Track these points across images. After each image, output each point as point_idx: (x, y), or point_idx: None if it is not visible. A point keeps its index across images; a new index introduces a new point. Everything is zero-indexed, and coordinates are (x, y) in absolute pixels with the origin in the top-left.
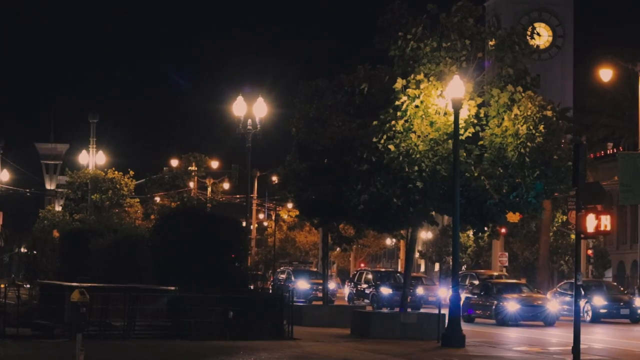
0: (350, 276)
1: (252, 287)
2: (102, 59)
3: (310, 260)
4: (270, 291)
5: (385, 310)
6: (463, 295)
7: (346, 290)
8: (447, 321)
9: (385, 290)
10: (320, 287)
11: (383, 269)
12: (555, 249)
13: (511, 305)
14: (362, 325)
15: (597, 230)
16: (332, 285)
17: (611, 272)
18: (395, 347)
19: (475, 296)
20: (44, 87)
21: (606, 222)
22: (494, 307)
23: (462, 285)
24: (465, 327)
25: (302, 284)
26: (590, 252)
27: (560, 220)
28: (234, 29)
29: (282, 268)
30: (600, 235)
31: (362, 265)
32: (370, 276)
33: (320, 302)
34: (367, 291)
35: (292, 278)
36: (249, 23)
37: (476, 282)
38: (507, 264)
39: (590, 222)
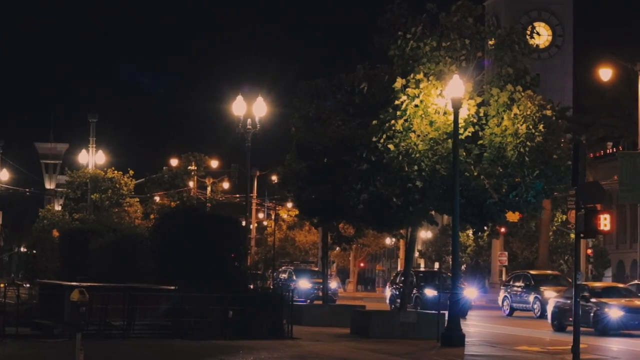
0: (392, 277)
1: (251, 286)
2: (102, 58)
3: (312, 260)
4: (271, 290)
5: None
6: (552, 302)
7: (387, 292)
8: (446, 321)
9: (430, 292)
10: (322, 286)
11: (427, 269)
12: (554, 248)
13: (614, 312)
14: (361, 324)
15: (597, 229)
16: (333, 284)
17: (611, 271)
18: (395, 346)
19: (569, 301)
20: (43, 87)
21: (606, 221)
22: (592, 314)
23: (511, 286)
24: (558, 337)
25: (304, 284)
26: (589, 251)
27: (559, 220)
28: (233, 28)
29: (283, 267)
30: (599, 235)
31: (361, 264)
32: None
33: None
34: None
35: (294, 277)
36: (248, 22)
37: (530, 284)
38: (506, 264)
39: (590, 222)
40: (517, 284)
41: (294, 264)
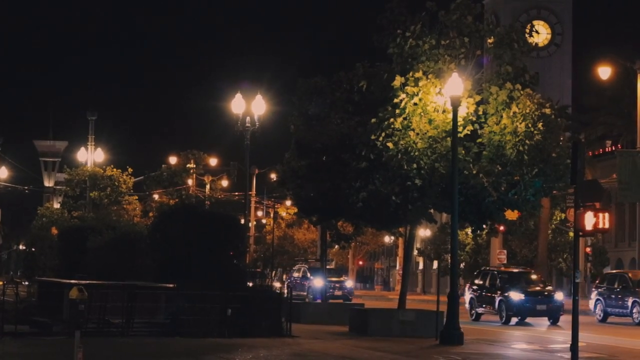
0: (473, 276)
1: (250, 284)
2: (101, 56)
3: (328, 259)
4: (285, 290)
5: (515, 319)
6: None
7: (466, 294)
8: (445, 319)
9: (516, 296)
10: (338, 285)
11: (514, 268)
12: (553, 246)
13: None
14: (360, 322)
15: (596, 227)
16: (348, 283)
17: (610, 269)
18: (393, 344)
19: None
20: (42, 85)
21: (604, 219)
22: None
23: (605, 289)
24: None
25: (319, 282)
26: (588, 249)
27: (558, 218)
28: (232, 26)
29: (297, 266)
30: (598, 233)
31: (360, 263)
32: (496, 277)
33: (340, 301)
34: (490, 294)
35: (308, 276)
36: (248, 21)
37: (628, 286)
38: (505, 262)
39: (589, 220)
40: (612, 286)
41: (308, 262)
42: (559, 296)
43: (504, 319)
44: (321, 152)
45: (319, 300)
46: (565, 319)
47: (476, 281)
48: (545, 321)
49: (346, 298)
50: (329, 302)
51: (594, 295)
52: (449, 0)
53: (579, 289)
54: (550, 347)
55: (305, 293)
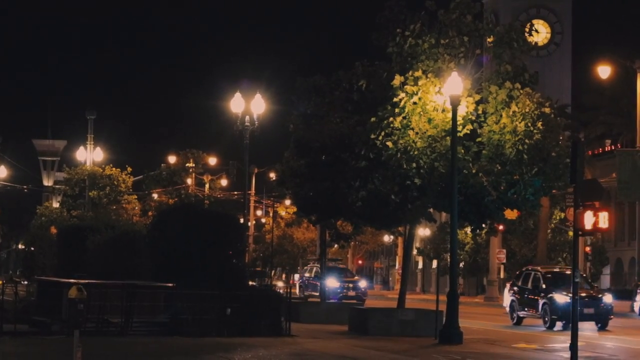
0: (514, 277)
1: (252, 283)
2: (100, 55)
3: (340, 257)
4: (298, 290)
5: (560, 324)
6: None
7: (506, 297)
8: (444, 318)
9: (561, 298)
10: (351, 285)
11: (558, 268)
12: (553, 245)
13: None
14: (359, 322)
15: (595, 227)
16: (362, 283)
17: (609, 269)
18: (393, 344)
19: None
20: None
21: (604, 219)
22: None
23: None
24: None
25: (332, 282)
26: (588, 249)
27: (558, 217)
28: (232, 25)
29: (309, 265)
30: (598, 232)
31: (360, 262)
32: (539, 278)
33: (353, 302)
34: (532, 297)
35: (320, 276)
36: (247, 19)
37: None
38: (504, 261)
39: (588, 219)
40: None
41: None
42: (608, 299)
43: (547, 323)
44: (320, 152)
45: (332, 301)
46: (615, 323)
47: (517, 282)
48: (592, 325)
49: (360, 299)
50: (327, 302)
51: (639, 297)
52: (449, 0)
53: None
54: (550, 347)
55: (317, 293)
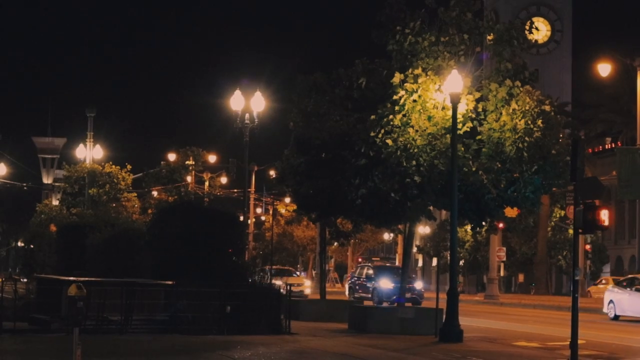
0: (621, 280)
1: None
2: (100, 53)
3: (393, 256)
4: (347, 292)
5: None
6: None
7: (607, 297)
8: (444, 316)
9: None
10: (407, 286)
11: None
12: (553, 244)
13: None
14: (359, 320)
15: (596, 225)
16: (418, 284)
17: (609, 267)
18: (393, 342)
19: None
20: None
21: (604, 217)
22: None
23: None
24: None
25: (385, 283)
26: (588, 247)
27: (558, 215)
28: (232, 23)
29: (360, 263)
30: (598, 231)
31: (359, 260)
32: None
33: (409, 304)
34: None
35: (373, 276)
36: (246, 17)
37: None
38: (505, 259)
39: (588, 217)
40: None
41: (372, 261)
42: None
43: None
44: (320, 149)
45: (385, 304)
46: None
47: (625, 284)
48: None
49: (416, 301)
50: (327, 300)
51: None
52: None
53: (579, 286)
54: (550, 345)
55: (369, 295)
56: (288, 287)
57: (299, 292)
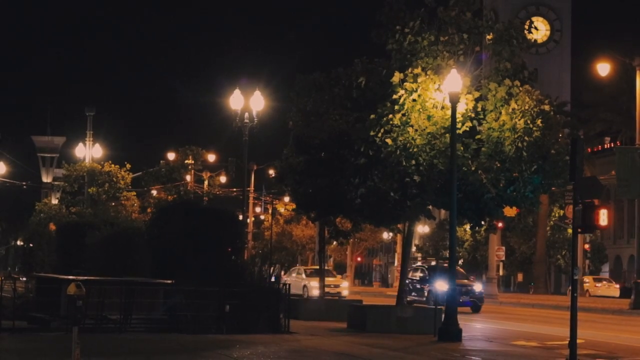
0: None
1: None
2: (100, 52)
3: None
4: (403, 295)
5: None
6: None
7: None
8: (443, 315)
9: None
10: (466, 289)
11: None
12: (552, 243)
13: None
14: (358, 319)
15: (594, 224)
16: (478, 287)
17: (608, 266)
18: (391, 341)
19: None
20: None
21: (603, 216)
22: None
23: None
24: None
25: (442, 286)
26: (587, 246)
27: (557, 215)
28: (231, 22)
29: (416, 264)
30: (597, 230)
31: (359, 259)
32: None
33: (468, 309)
34: None
35: (428, 278)
36: (246, 16)
37: None
38: (504, 258)
39: (587, 217)
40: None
41: (427, 260)
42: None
43: None
44: (320, 148)
45: (441, 308)
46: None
47: None
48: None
49: (476, 306)
50: (326, 299)
51: None
52: None
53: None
54: (549, 344)
55: (423, 298)
56: (287, 287)
57: (336, 293)
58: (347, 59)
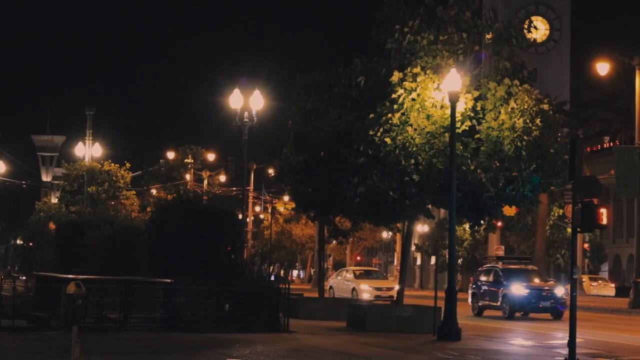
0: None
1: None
2: (99, 51)
3: (527, 256)
4: (470, 300)
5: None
6: None
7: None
8: (442, 315)
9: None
10: (544, 293)
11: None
12: (551, 242)
13: None
14: (358, 318)
15: (594, 223)
16: (560, 290)
17: (607, 265)
18: (391, 340)
19: None
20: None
21: (602, 216)
22: None
23: None
24: None
25: (518, 289)
26: (586, 245)
27: (556, 214)
28: (231, 21)
29: (488, 265)
30: (596, 229)
31: (358, 258)
32: None
33: (548, 315)
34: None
35: (502, 280)
36: (246, 16)
37: None
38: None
39: (587, 216)
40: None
41: (500, 260)
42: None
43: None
44: (319, 148)
45: (518, 314)
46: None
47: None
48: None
49: (557, 312)
50: (325, 298)
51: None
52: None
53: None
54: (548, 343)
55: (497, 303)
56: (287, 286)
57: (388, 297)
58: (346, 59)
